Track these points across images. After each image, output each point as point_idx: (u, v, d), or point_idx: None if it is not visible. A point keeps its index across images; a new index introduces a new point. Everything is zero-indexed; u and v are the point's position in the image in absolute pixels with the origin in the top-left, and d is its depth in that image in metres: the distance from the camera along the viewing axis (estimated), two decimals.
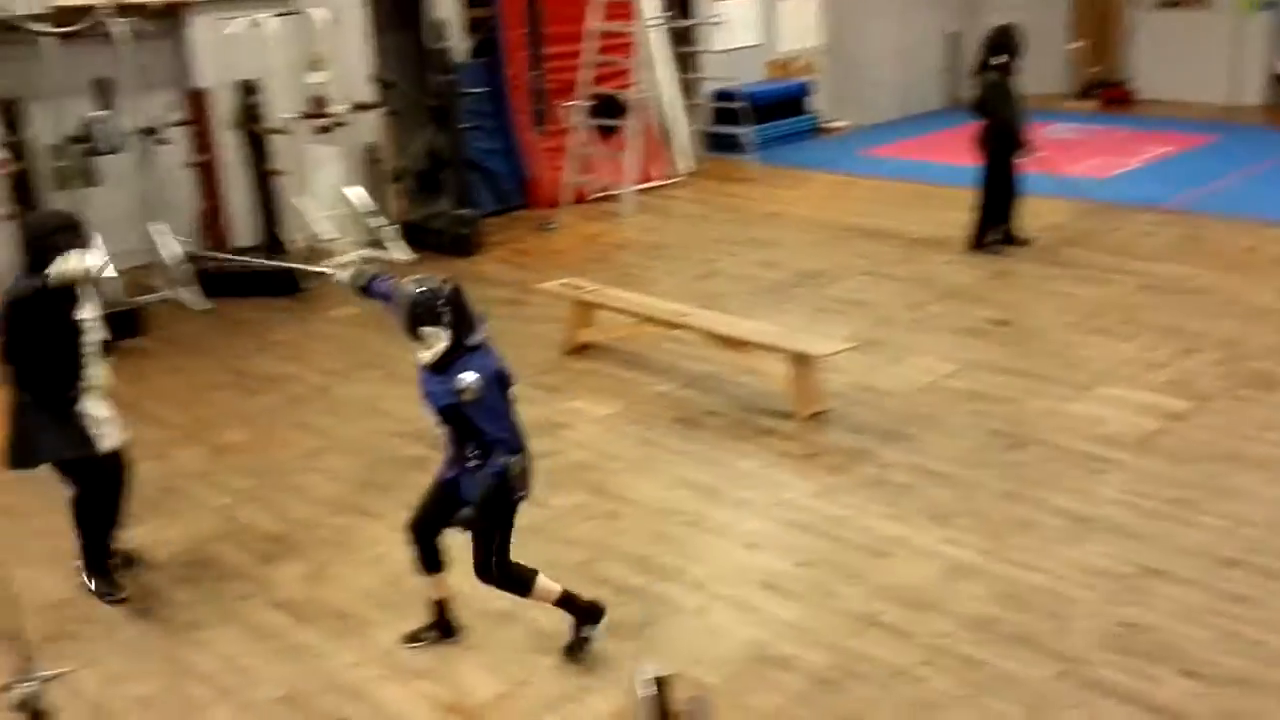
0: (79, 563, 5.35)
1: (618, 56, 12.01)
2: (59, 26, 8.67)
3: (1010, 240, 9.80)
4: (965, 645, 4.73)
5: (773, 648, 4.78)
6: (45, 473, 5.34)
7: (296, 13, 9.94)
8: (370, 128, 10.72)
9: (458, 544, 4.71)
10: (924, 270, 9.53)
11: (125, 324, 8.60)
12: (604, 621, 4.78)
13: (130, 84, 9.05)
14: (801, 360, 6.86)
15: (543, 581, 4.70)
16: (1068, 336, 7.94)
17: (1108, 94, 15.83)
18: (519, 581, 4.66)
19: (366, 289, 5.03)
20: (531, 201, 12.05)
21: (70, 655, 4.72)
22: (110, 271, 8.63)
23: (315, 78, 9.94)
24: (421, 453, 6.62)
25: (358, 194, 10.46)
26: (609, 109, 12.01)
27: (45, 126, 8.58)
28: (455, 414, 4.43)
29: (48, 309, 4.93)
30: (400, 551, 5.58)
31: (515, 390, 4.59)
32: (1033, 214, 9.88)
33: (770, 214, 11.53)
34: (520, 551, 5.52)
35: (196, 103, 9.72)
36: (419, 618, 4.96)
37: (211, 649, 4.92)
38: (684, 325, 7.49)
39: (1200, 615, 4.84)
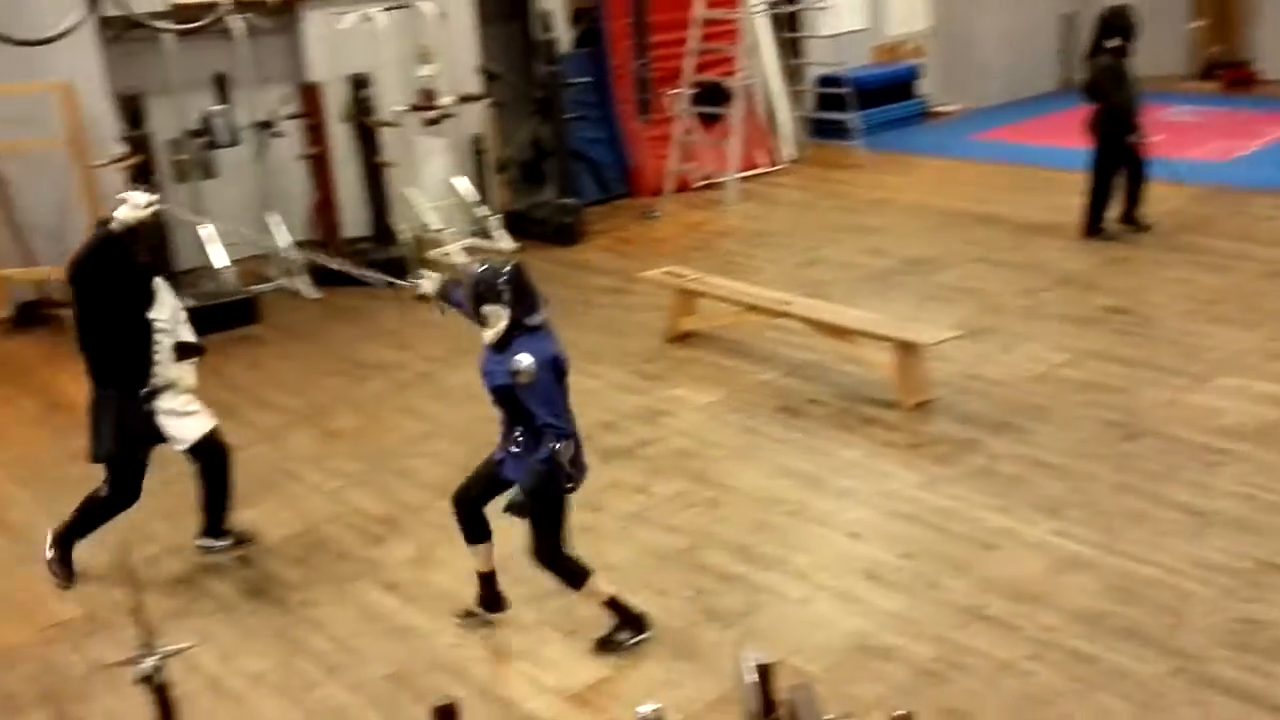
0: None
1: (722, 43, 11.96)
2: (180, 23, 8.95)
3: (1134, 225, 9.51)
4: (1074, 640, 4.62)
5: (875, 638, 4.73)
6: (164, 454, 5.54)
7: (406, 6, 10.10)
8: (476, 119, 10.85)
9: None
10: (1036, 256, 9.31)
11: (241, 312, 8.87)
12: (646, 635, 4.76)
13: (246, 79, 9.31)
14: (907, 349, 6.77)
15: (596, 582, 4.71)
16: (1186, 325, 7.69)
17: (1229, 75, 15.22)
18: (572, 573, 4.70)
19: (448, 298, 5.02)
20: (634, 190, 12.07)
21: (188, 632, 4.89)
22: (223, 259, 8.98)
23: (424, 70, 10.10)
24: None
25: (463, 185, 10.60)
26: (713, 96, 11.97)
27: (165, 121, 8.86)
28: (508, 395, 4.47)
29: (116, 274, 5.03)
30: (505, 536, 5.66)
31: (569, 378, 4.60)
32: (1149, 199, 9.58)
33: (877, 200, 11.38)
34: (621, 537, 5.58)
35: (309, 96, 9.94)
36: (522, 601, 5.03)
37: (323, 628, 5.05)
38: (787, 313, 7.44)
39: None
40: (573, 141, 11.10)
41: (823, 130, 13.56)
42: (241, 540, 5.70)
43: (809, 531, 5.59)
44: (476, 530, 4.85)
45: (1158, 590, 4.89)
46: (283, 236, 9.49)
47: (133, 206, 5.01)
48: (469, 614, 5.00)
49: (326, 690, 4.63)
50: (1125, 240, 9.42)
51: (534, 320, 4.49)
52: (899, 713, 2.76)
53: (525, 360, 4.34)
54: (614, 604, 4.75)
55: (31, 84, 8.62)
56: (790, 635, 4.76)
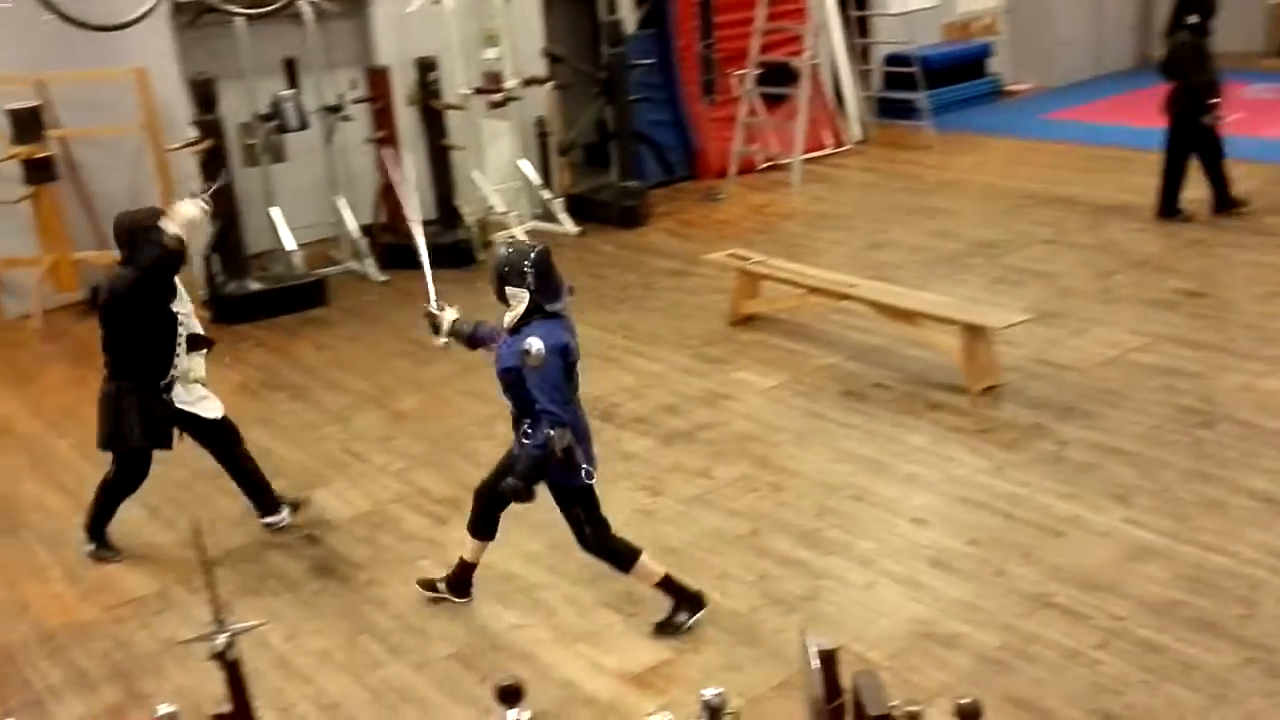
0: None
1: (789, 22, 11.85)
2: (250, 8, 9.05)
3: (1232, 207, 9.26)
4: (1144, 629, 4.53)
5: (940, 625, 4.68)
6: (247, 436, 5.64)
7: None
8: (540, 102, 10.86)
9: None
10: (1109, 238, 9.12)
11: (310, 294, 8.99)
12: (703, 612, 4.76)
13: (316, 63, 9.40)
14: (975, 332, 6.66)
15: (646, 562, 4.71)
16: (1264, 308, 7.49)
17: None
18: (619, 556, 4.72)
19: (460, 334, 4.93)
20: (698, 172, 12.02)
21: (256, 610, 4.97)
22: (291, 243, 9.09)
23: (490, 54, 10.13)
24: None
25: (527, 167, 10.62)
26: (779, 77, 11.86)
27: (236, 105, 8.98)
28: (515, 380, 4.44)
29: (148, 298, 5.22)
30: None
31: (579, 368, 4.59)
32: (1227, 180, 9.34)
33: (945, 182, 11.21)
34: (683, 521, 5.58)
35: (377, 80, 10.01)
36: (583, 583, 5.04)
37: (387, 608, 5.10)
38: (852, 296, 7.36)
39: None
40: (637, 123, 11.07)
41: (890, 110, 13.39)
42: (297, 505, 5.85)
43: (873, 517, 5.54)
44: (485, 526, 4.91)
45: (1230, 580, 4.78)
46: (350, 220, 9.59)
47: (184, 223, 5.15)
48: (431, 585, 5.08)
49: (391, 669, 4.68)
50: (1201, 222, 9.19)
51: (554, 307, 4.48)
52: (965, 700, 2.72)
53: (535, 343, 4.34)
54: (667, 583, 4.76)
55: (107, 70, 8.78)
56: (852, 621, 4.73)
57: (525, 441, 4.48)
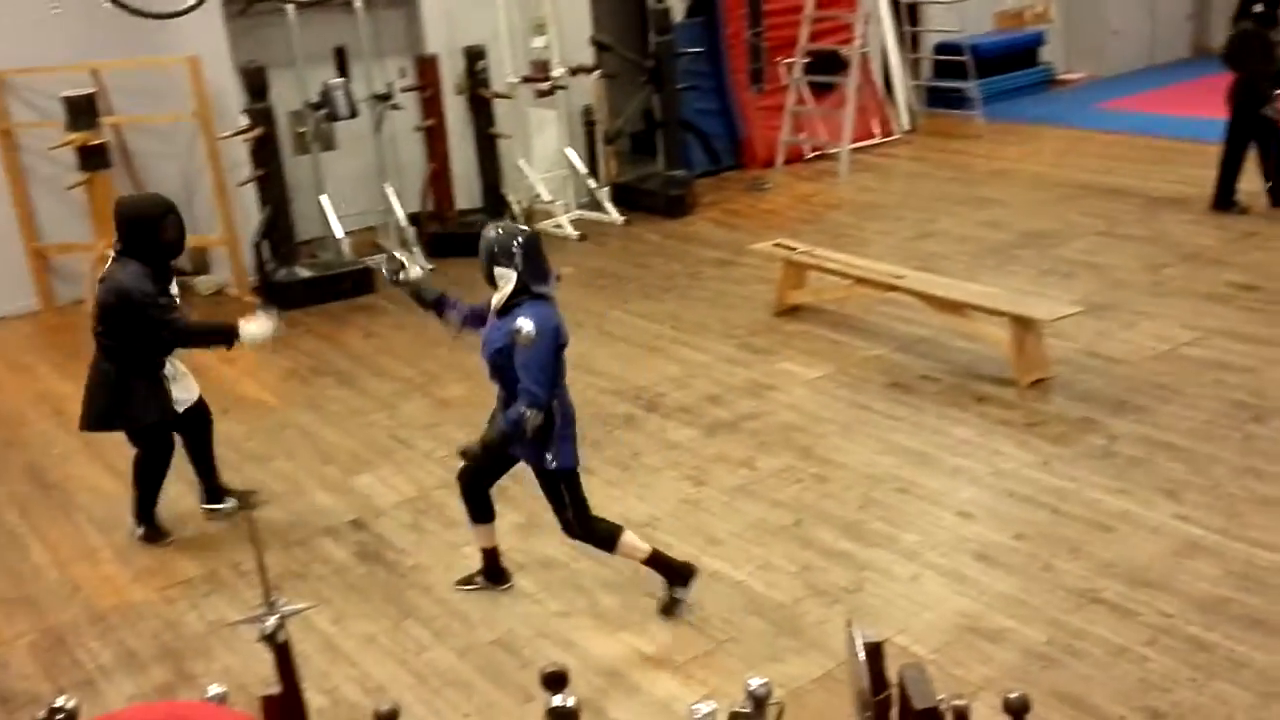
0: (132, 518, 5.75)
1: (839, 10, 11.76)
2: None
3: None
4: (1193, 626, 4.48)
5: (986, 620, 4.64)
6: (281, 424, 5.69)
7: None
8: (587, 91, 10.86)
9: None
10: (1162, 230, 8.99)
11: (357, 282, 9.05)
12: (695, 581, 4.82)
13: (365, 51, 9.46)
14: (1024, 324, 6.60)
15: (629, 539, 4.76)
16: None
17: None
18: (602, 537, 4.76)
19: (421, 298, 4.92)
20: (745, 161, 11.97)
21: (303, 593, 5.03)
22: (340, 232, 9.16)
23: (538, 42, 10.14)
24: (630, 411, 6.73)
25: (573, 156, 10.63)
26: (827, 65, 11.79)
27: (287, 93, 9.05)
28: (504, 363, 4.47)
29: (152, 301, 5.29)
30: (610, 507, 5.69)
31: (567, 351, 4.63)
32: None
33: (996, 172, 11.10)
34: (726, 511, 5.57)
35: (426, 69, 10.06)
36: (627, 571, 5.05)
37: (432, 593, 5.14)
38: (899, 287, 7.31)
39: None
40: (683, 112, 11.04)
41: (940, 99, 13.27)
42: (244, 497, 5.93)
43: (918, 510, 5.50)
44: (481, 510, 4.96)
45: None
46: (398, 207, 9.64)
47: (251, 343, 5.40)
48: (470, 580, 5.12)
49: (434, 654, 4.72)
50: (1256, 214, 9.03)
51: (541, 289, 4.51)
52: (1013, 694, 2.70)
53: (527, 323, 4.37)
54: (655, 559, 4.79)
55: (160, 58, 8.89)
56: (897, 614, 4.70)
57: (505, 413, 4.52)
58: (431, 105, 10.03)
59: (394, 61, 10.01)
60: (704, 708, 2.66)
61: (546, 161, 10.60)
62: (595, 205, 10.59)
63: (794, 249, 8.03)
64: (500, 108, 9.98)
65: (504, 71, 10.07)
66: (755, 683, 2.72)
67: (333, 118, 9.08)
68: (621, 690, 4.41)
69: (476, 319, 4.77)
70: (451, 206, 10.37)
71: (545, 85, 10.13)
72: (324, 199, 9.18)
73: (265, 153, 8.73)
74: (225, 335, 5.45)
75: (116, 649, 4.90)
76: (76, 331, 8.85)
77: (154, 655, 4.84)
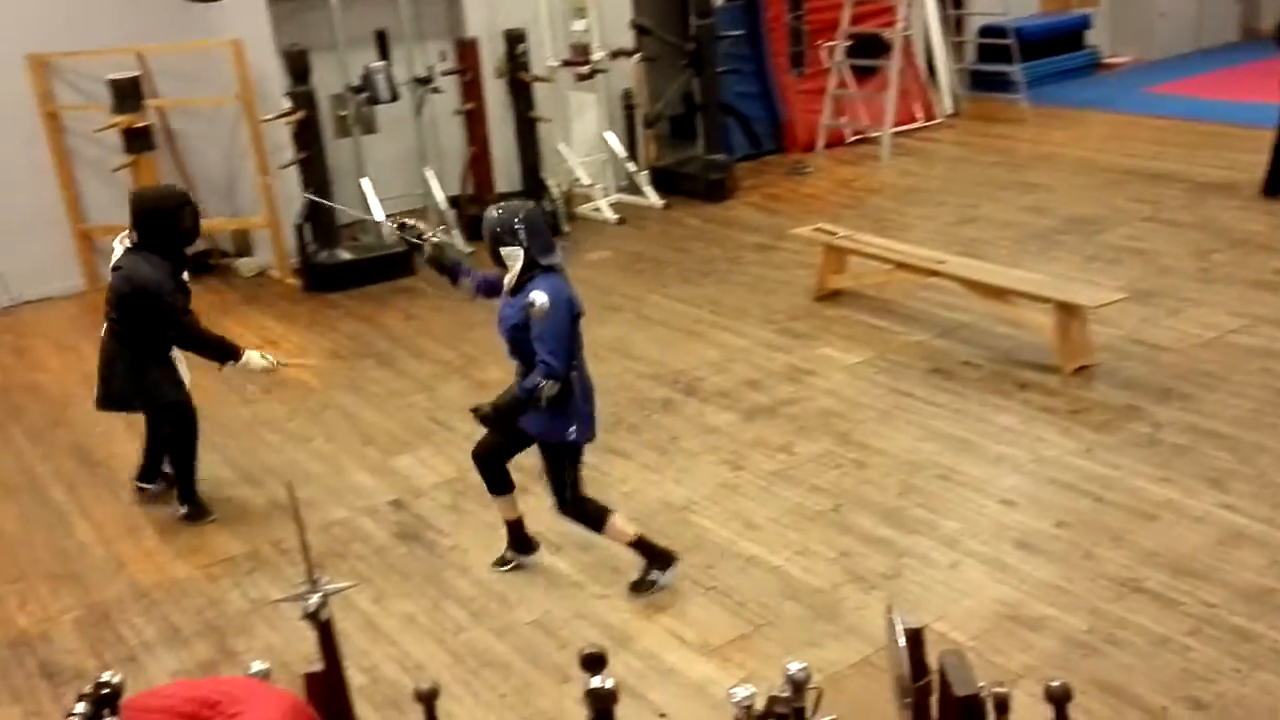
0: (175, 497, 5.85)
1: None
2: None
3: None
4: (1237, 617, 4.42)
5: (1026, 608, 4.60)
6: (322, 405, 5.73)
7: None
8: (626, 74, 10.83)
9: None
10: (1210, 216, 8.86)
11: (398, 264, 9.09)
12: (674, 570, 4.87)
13: (406, 35, 9.48)
14: (1068, 311, 6.52)
15: (616, 521, 4.83)
16: None
17: None
18: (591, 517, 4.83)
19: (443, 265, 5.02)
20: (785, 145, 11.91)
21: (343, 572, 5.08)
22: (381, 215, 9.19)
23: (578, 25, 10.12)
24: (669, 395, 6.72)
25: (613, 140, 10.61)
26: (869, 48, 11.69)
27: (328, 77, 9.09)
28: (522, 338, 4.49)
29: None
30: (648, 490, 5.71)
31: (583, 321, 4.65)
32: None
33: (1040, 156, 10.97)
34: (764, 496, 5.56)
35: (466, 52, 10.06)
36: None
37: (470, 574, 5.17)
38: (940, 273, 7.25)
39: None
40: (724, 96, 10.98)
41: (984, 83, 13.12)
42: (171, 483, 5.99)
43: (959, 497, 5.46)
44: (499, 483, 5.02)
45: None
46: (438, 191, 9.67)
47: (248, 372, 5.68)
48: (504, 560, 5.17)
49: (473, 634, 4.75)
50: None
51: (549, 260, 4.53)
52: (1055, 683, 2.68)
53: (540, 296, 4.41)
54: (640, 543, 4.84)
55: (204, 41, 8.95)
56: (936, 601, 4.68)
57: (523, 381, 4.56)
58: (471, 89, 10.04)
59: (434, 45, 10.02)
60: (742, 691, 2.66)
61: (586, 145, 10.59)
62: (634, 189, 10.58)
63: (834, 233, 7.98)
64: (540, 91, 9.97)
65: (544, 55, 10.06)
66: (794, 667, 2.71)
67: (374, 101, 9.10)
68: (658, 673, 4.41)
69: (490, 287, 4.85)
70: (491, 190, 10.37)
71: (585, 69, 10.11)
72: (365, 182, 9.22)
73: (307, 136, 8.78)
74: (227, 353, 5.56)
75: (160, 625, 4.96)
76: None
77: (197, 631, 4.90)
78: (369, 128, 9.37)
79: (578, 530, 5.31)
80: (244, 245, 9.85)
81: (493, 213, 4.56)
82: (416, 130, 9.67)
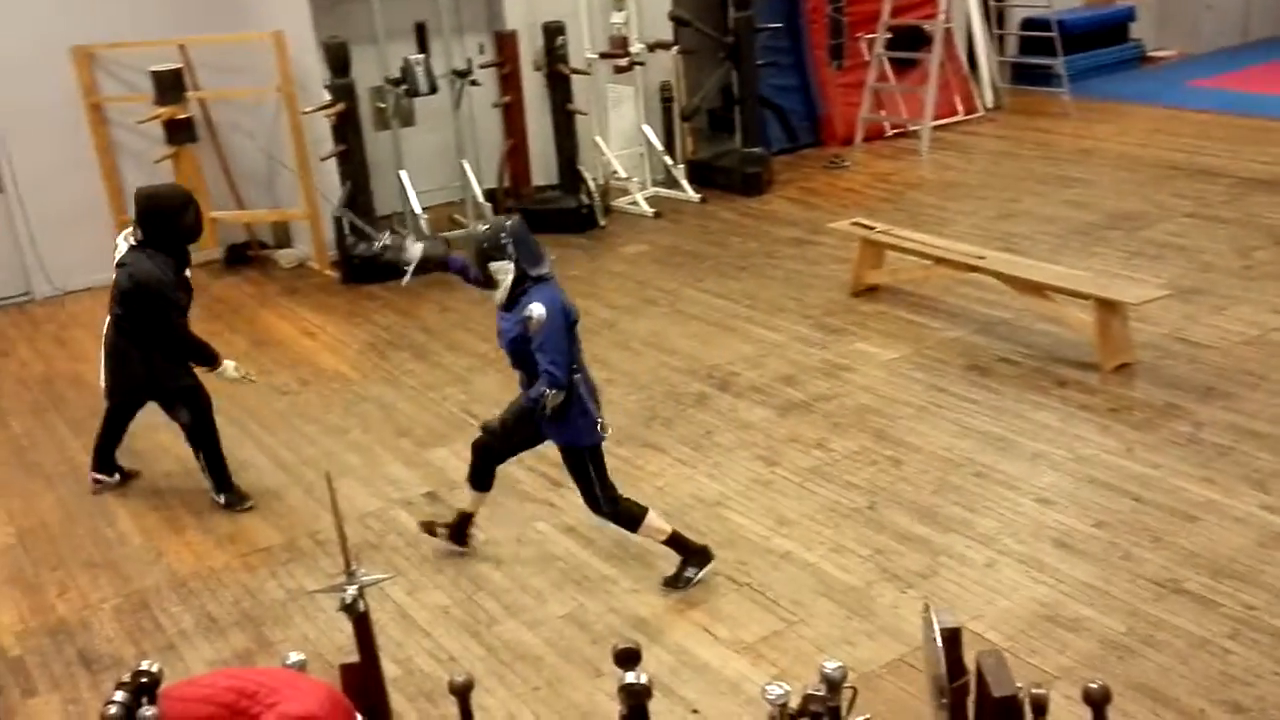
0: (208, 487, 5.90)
1: None
2: None
3: None
4: (1278, 619, 4.35)
5: (1063, 608, 4.56)
6: (359, 397, 5.75)
7: None
8: (664, 67, 10.80)
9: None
10: (1254, 213, 8.73)
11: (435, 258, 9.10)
12: (710, 566, 4.88)
13: (445, 27, 9.50)
14: (1109, 308, 6.45)
15: (652, 519, 4.85)
16: None
17: None
18: (627, 517, 4.84)
19: (449, 266, 5.17)
20: (824, 139, 11.83)
21: (378, 564, 5.11)
22: (418, 207, 9.23)
23: (616, 17, 10.09)
24: (703, 389, 6.71)
25: (650, 133, 10.59)
26: (910, 41, 11.59)
27: (367, 69, 9.13)
28: (523, 349, 4.57)
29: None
30: (681, 485, 5.70)
31: (579, 327, 4.71)
32: None
33: (1082, 151, 10.85)
34: (799, 492, 5.53)
35: (505, 44, 10.08)
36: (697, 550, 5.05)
37: (504, 567, 5.18)
38: (979, 268, 7.18)
39: None
40: (762, 89, 10.93)
41: (1026, 76, 12.97)
42: (127, 476, 6.12)
43: (996, 495, 5.41)
44: (483, 479, 5.10)
45: None
46: (475, 184, 9.69)
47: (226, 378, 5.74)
48: (432, 529, 5.27)
49: (506, 627, 4.76)
50: None
51: (540, 270, 4.59)
52: (1094, 684, 2.64)
53: (536, 308, 4.47)
54: (675, 540, 4.86)
55: (245, 33, 9.01)
56: (972, 600, 4.64)
57: (527, 392, 4.63)
58: (510, 81, 10.05)
59: (473, 37, 10.04)
60: (776, 689, 2.64)
61: (623, 138, 10.58)
62: (671, 183, 10.55)
63: (872, 228, 7.92)
64: (578, 84, 9.97)
65: (582, 47, 10.05)
66: (830, 665, 2.69)
67: (412, 93, 9.13)
68: (691, 669, 4.41)
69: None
70: (528, 182, 10.40)
71: (623, 61, 10.09)
72: (403, 174, 9.25)
73: (346, 128, 8.82)
74: (208, 360, 5.66)
75: (197, 614, 5.01)
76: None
77: (234, 621, 4.94)
78: (407, 120, 9.40)
79: (611, 525, 5.32)
80: (283, 237, 9.92)
81: (477, 231, 4.69)
82: (454, 123, 9.69)
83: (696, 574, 4.86)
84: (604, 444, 4.79)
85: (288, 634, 4.81)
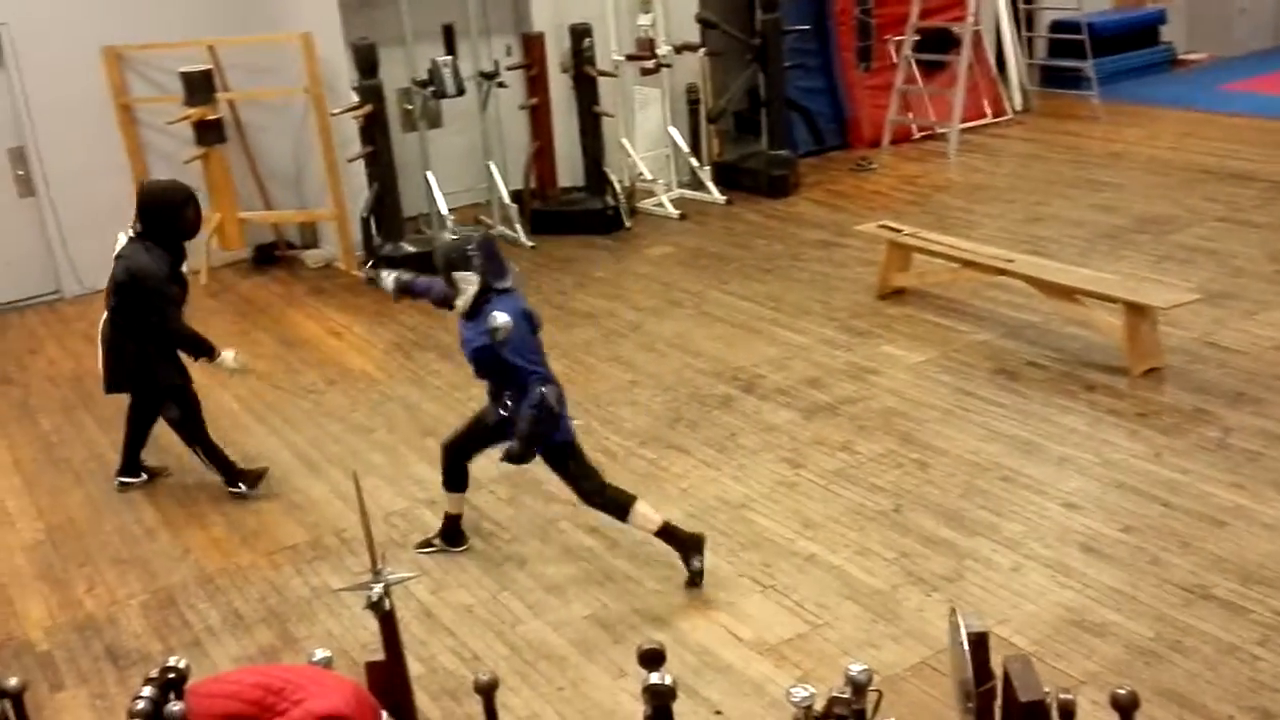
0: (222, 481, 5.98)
1: None
2: None
3: None
4: None
5: (1090, 613, 4.53)
6: (385, 396, 5.78)
7: None
8: (691, 69, 10.80)
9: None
10: None
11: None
12: (705, 551, 4.91)
13: (473, 29, 9.53)
14: (1138, 312, 6.40)
15: (641, 508, 4.89)
16: None
17: None
18: (614, 504, 4.91)
19: (410, 290, 5.28)
20: (850, 141, 11.80)
21: (403, 562, 5.13)
22: (445, 208, 9.26)
23: (643, 20, 10.10)
24: (728, 391, 6.70)
25: (676, 135, 10.58)
26: (938, 43, 11.54)
27: (395, 71, 9.16)
28: (489, 358, 4.70)
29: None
30: (706, 487, 5.69)
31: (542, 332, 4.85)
32: None
33: (1112, 154, 10.78)
34: (824, 495, 5.51)
35: (532, 46, 10.10)
36: (722, 553, 5.04)
37: (528, 567, 5.19)
38: (1007, 271, 7.14)
39: None
40: (789, 91, 10.91)
41: (1055, 79, 12.89)
42: (154, 475, 6.16)
43: (1022, 499, 5.38)
44: (457, 479, 5.19)
45: None
46: (501, 185, 9.71)
47: (224, 369, 5.81)
48: (429, 543, 5.34)
49: (530, 626, 4.77)
50: None
51: (503, 284, 4.74)
52: (1122, 690, 2.62)
53: (501, 317, 4.60)
54: (666, 532, 4.90)
55: (274, 35, 9.07)
56: (998, 605, 4.61)
57: (521, 405, 4.70)
58: (536, 83, 10.07)
59: (500, 39, 10.06)
60: (801, 692, 2.64)
61: (649, 140, 10.58)
62: (697, 184, 10.55)
63: (899, 231, 7.89)
64: (604, 86, 9.98)
65: (609, 49, 10.06)
66: (855, 669, 2.69)
67: (440, 95, 9.16)
68: (714, 670, 4.40)
69: (423, 289, 5.18)
70: (554, 184, 10.41)
71: (650, 63, 10.09)
72: (430, 175, 9.28)
73: (374, 129, 8.85)
74: (205, 351, 5.70)
75: (224, 610, 5.04)
76: (189, 303, 9.10)
77: (259, 618, 4.97)
78: (435, 122, 9.43)
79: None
80: (311, 237, 9.98)
81: (447, 240, 4.85)
82: (481, 124, 9.72)
83: (702, 560, 4.90)
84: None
85: (313, 631, 4.83)
